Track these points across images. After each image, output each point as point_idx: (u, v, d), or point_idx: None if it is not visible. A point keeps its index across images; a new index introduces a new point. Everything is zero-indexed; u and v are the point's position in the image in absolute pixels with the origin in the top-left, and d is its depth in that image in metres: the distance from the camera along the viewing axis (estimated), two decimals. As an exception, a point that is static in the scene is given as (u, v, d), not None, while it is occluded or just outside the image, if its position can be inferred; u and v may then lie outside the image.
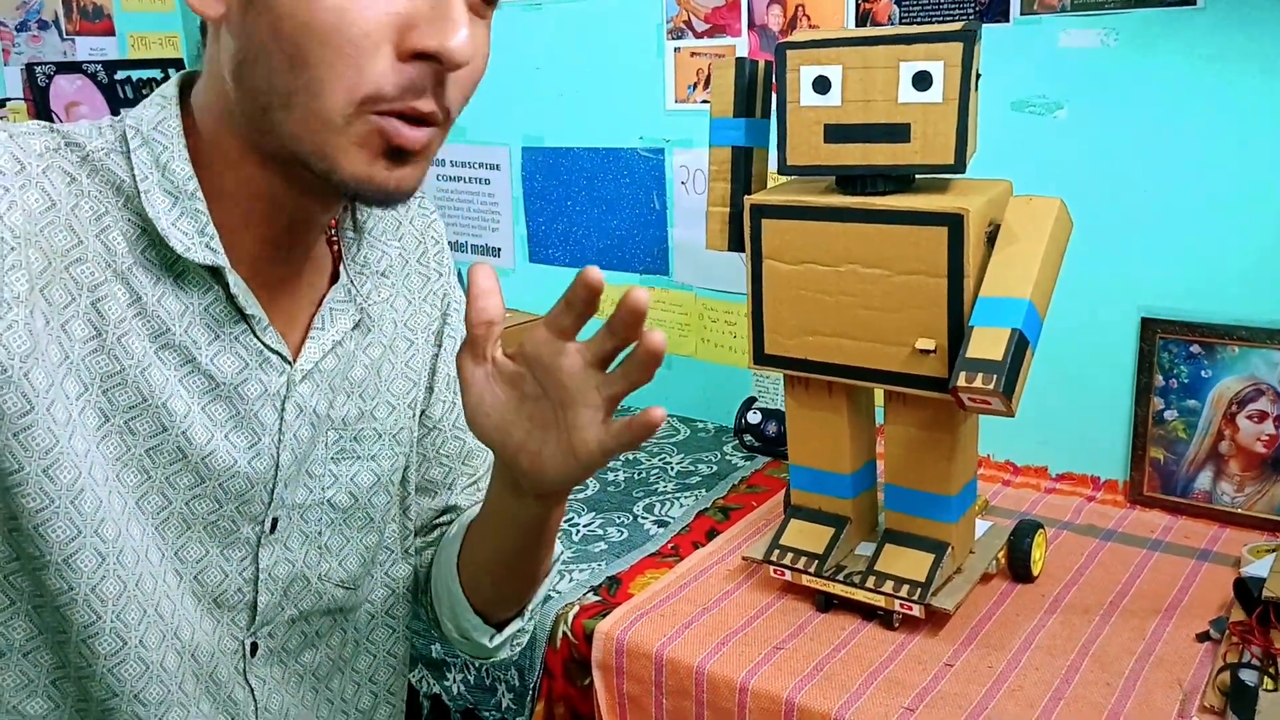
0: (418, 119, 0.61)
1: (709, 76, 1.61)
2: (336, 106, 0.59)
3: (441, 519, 0.91)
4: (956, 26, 1.00)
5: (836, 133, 1.04)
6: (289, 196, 0.67)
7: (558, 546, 0.82)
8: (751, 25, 1.56)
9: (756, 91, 1.15)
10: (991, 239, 1.02)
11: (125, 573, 0.66)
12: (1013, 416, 0.95)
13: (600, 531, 1.34)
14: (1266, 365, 1.24)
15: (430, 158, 0.65)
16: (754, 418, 1.57)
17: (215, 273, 0.67)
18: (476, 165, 1.94)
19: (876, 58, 1.01)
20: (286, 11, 0.57)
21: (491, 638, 0.85)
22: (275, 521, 0.74)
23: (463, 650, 0.89)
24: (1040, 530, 1.18)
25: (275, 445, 0.72)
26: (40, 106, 1.94)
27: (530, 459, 0.66)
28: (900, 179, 1.06)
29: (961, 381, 0.94)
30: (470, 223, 1.98)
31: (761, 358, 1.15)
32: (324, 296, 0.74)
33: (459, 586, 0.83)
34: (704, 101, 1.63)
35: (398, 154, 0.61)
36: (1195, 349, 1.28)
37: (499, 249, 1.96)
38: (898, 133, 1.02)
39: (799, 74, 1.04)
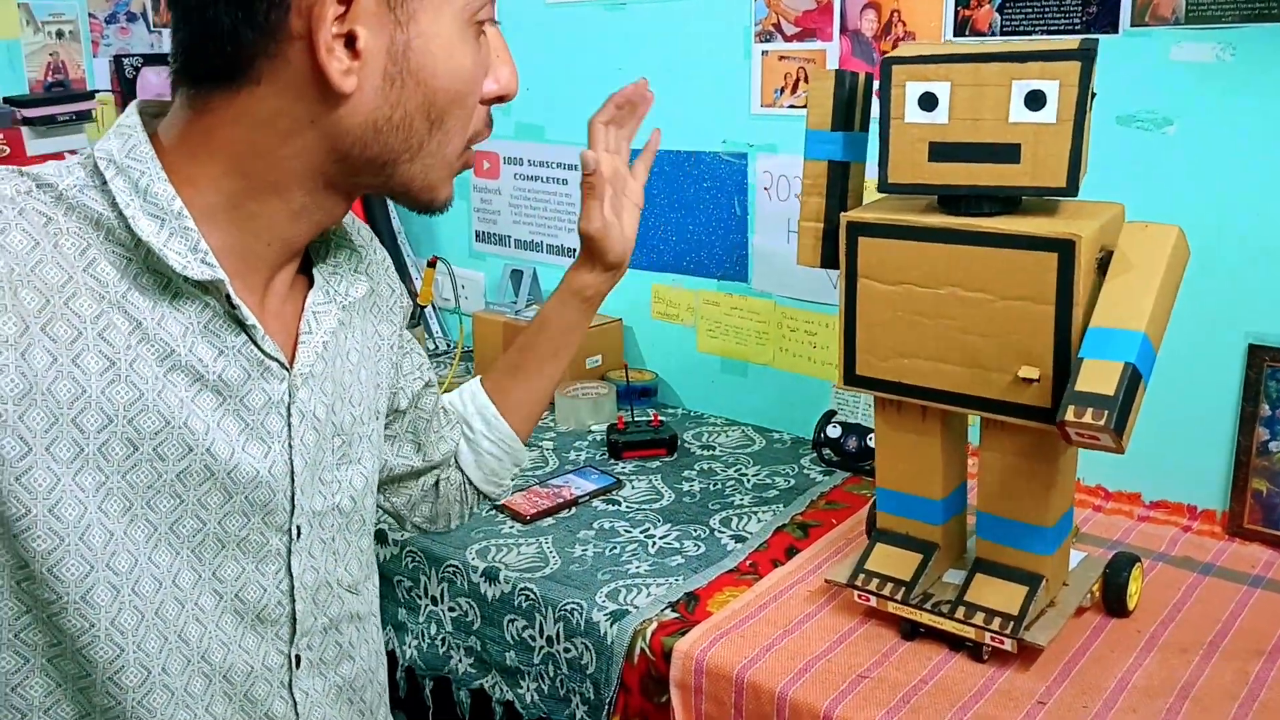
0: None
1: (797, 81, 1.59)
2: (456, 151, 0.72)
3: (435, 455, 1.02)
4: (1074, 43, 0.96)
5: (942, 151, 1.01)
6: (325, 214, 0.72)
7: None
8: (844, 30, 1.52)
9: (855, 104, 1.12)
10: (1103, 266, 0.98)
11: (142, 603, 0.67)
12: (1122, 454, 0.91)
13: (677, 544, 1.33)
14: (1382, 399, 1.19)
15: None
16: (834, 431, 1.54)
17: (207, 289, 0.68)
18: (555, 165, 1.92)
19: (988, 75, 0.98)
20: (442, 88, 0.68)
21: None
22: (299, 530, 0.76)
23: (496, 494, 1.08)
24: (1137, 564, 1.14)
25: (287, 452, 0.73)
26: (128, 98, 1.96)
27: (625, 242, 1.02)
28: (1006, 200, 1.02)
29: (1070, 416, 0.90)
30: (546, 222, 1.97)
31: (852, 378, 1.12)
32: (304, 301, 0.76)
33: (515, 437, 1.05)
34: (791, 106, 1.60)
35: None
36: (1305, 379, 1.23)
37: (574, 250, 1.94)
38: (1007, 153, 0.99)
39: (904, 90, 1.01)
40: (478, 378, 1.07)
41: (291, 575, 0.76)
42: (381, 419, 0.88)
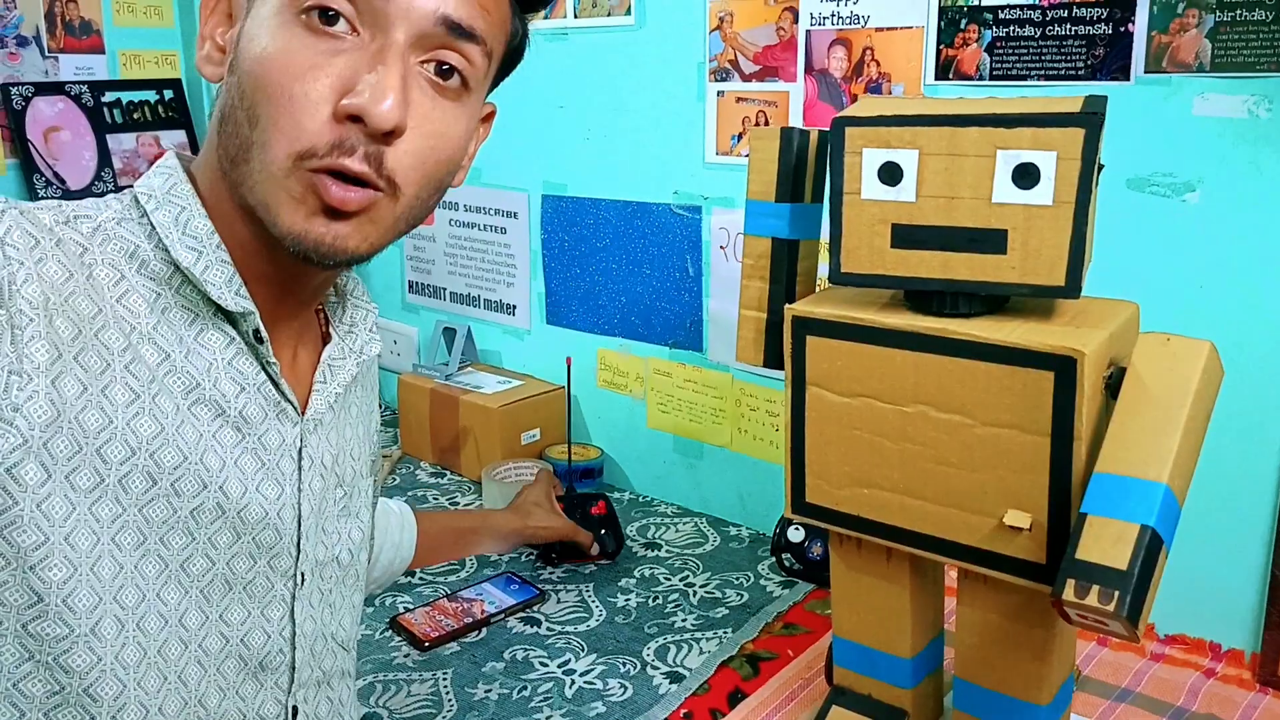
0: (350, 179, 0.64)
1: (756, 126, 1.38)
2: (278, 159, 0.63)
3: None
4: (1076, 103, 0.76)
5: (908, 235, 0.80)
6: (275, 254, 0.68)
7: None
8: (810, 69, 1.31)
9: (806, 169, 0.91)
10: (1113, 386, 0.77)
11: (145, 639, 0.66)
12: (1136, 642, 0.70)
13: (599, 684, 1.11)
14: None
15: (379, 223, 0.67)
16: (796, 535, 1.32)
17: (235, 323, 0.70)
18: (492, 212, 1.71)
19: (966, 143, 0.77)
20: (247, 72, 0.64)
21: None
22: (303, 576, 0.75)
23: None
24: (1153, 740, 0.92)
25: (296, 496, 0.73)
26: (16, 132, 1.75)
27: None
28: (990, 299, 0.81)
29: (1070, 594, 0.69)
30: (484, 275, 1.76)
31: (801, 506, 0.91)
32: (319, 355, 0.77)
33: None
34: (749, 155, 1.38)
35: (334, 212, 0.65)
36: (1357, 503, 1.01)
37: (514, 307, 1.73)
38: (990, 241, 0.78)
39: (861, 158, 0.80)
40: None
41: (294, 623, 0.75)
42: (371, 477, 0.88)
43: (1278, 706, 1.05)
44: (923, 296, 0.82)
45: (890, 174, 0.80)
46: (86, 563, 0.63)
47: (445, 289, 1.84)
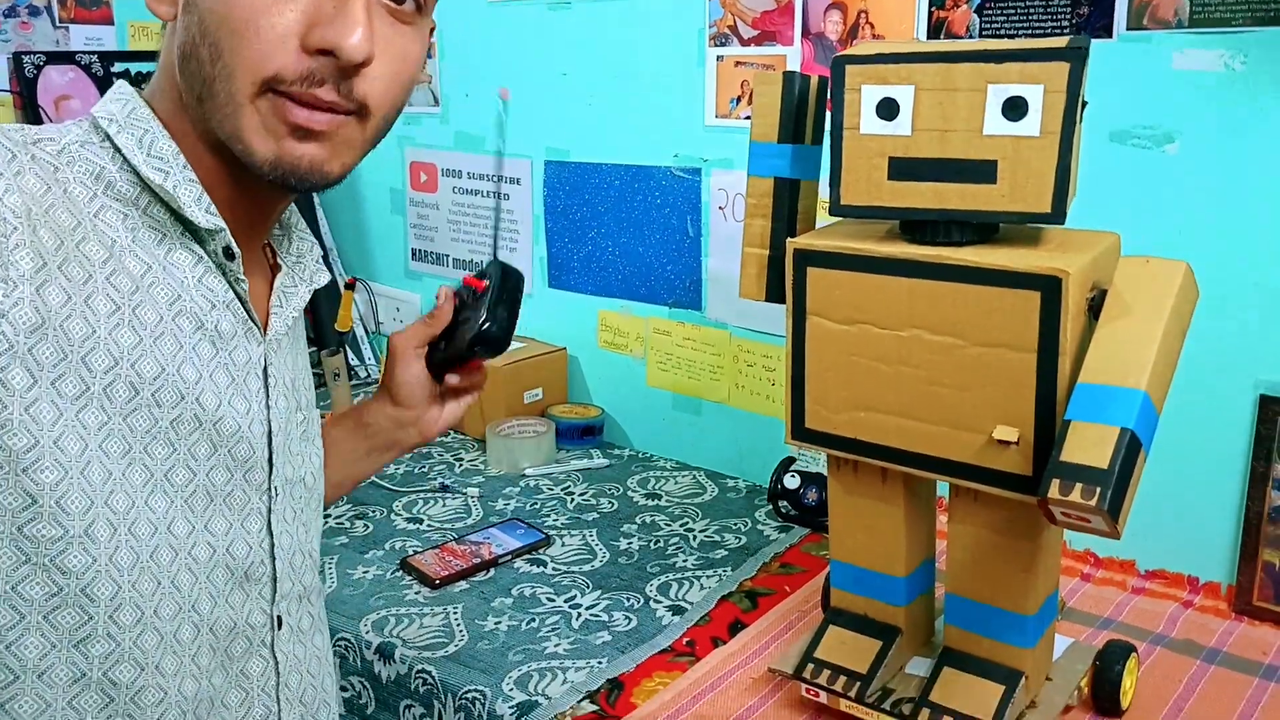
0: (320, 107, 0.66)
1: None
2: (244, 87, 0.65)
3: None
4: (1061, 42, 0.80)
5: (904, 168, 0.85)
6: (241, 181, 0.71)
7: None
8: (806, 33, 1.36)
9: (807, 112, 0.96)
10: (1095, 308, 0.82)
11: (138, 544, 0.68)
12: (1117, 539, 0.75)
13: (605, 617, 1.15)
14: None
15: (350, 145, 0.70)
16: (792, 482, 1.37)
17: (203, 241, 0.71)
18: (495, 179, 1.76)
19: (958, 78, 0.82)
20: (210, 9, 0.65)
21: None
22: (277, 491, 0.77)
23: None
24: (1132, 655, 0.97)
25: (265, 412, 0.76)
26: (28, 99, 1.79)
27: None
28: (981, 228, 0.86)
29: (1054, 492, 0.74)
30: (486, 240, 1.80)
31: (801, 433, 0.95)
32: (270, 285, 0.79)
33: None
34: (747, 118, 1.43)
35: (303, 132, 0.67)
36: (1326, 436, 1.07)
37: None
38: (981, 171, 0.82)
39: (860, 94, 0.85)
40: None
41: (272, 536, 0.77)
42: (317, 410, 0.89)
43: (1252, 632, 1.10)
44: (918, 227, 0.87)
45: (888, 109, 0.84)
46: (76, 466, 0.65)
47: (448, 255, 1.88)
